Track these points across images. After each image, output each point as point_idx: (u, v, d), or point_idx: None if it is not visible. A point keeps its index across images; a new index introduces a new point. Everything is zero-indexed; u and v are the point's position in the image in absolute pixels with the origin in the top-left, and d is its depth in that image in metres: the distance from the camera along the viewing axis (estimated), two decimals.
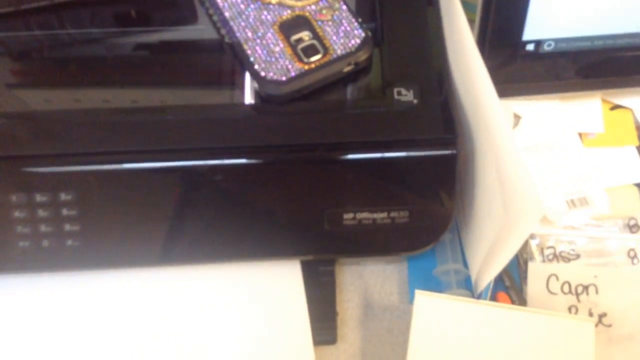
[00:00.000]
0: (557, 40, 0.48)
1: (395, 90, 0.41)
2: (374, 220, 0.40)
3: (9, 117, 0.41)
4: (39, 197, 0.39)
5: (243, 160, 0.39)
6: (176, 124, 0.40)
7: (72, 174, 0.39)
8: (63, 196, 0.39)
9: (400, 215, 0.40)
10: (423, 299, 0.44)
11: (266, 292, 0.46)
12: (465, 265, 0.48)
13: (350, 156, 0.39)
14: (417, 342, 0.42)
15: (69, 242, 0.40)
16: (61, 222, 0.39)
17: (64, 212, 0.39)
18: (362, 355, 0.47)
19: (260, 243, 0.41)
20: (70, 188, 0.39)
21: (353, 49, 0.41)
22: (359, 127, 0.39)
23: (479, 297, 0.47)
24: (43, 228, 0.39)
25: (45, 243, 0.40)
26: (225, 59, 0.45)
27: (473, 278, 0.47)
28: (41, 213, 0.39)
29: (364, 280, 0.50)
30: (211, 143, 0.39)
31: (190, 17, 0.47)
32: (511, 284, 0.48)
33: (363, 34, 0.42)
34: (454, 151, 0.39)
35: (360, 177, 0.39)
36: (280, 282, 0.46)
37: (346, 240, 0.41)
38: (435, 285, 0.49)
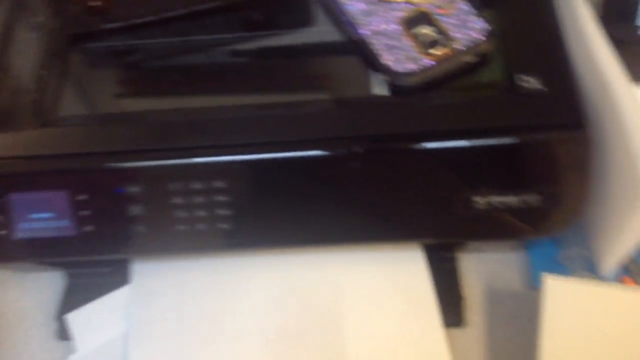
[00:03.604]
0: None
1: (520, 78, 0.42)
2: (506, 203, 0.42)
3: (163, 114, 0.46)
4: (195, 185, 0.43)
5: (380, 147, 0.41)
6: (315, 116, 0.43)
7: (224, 163, 0.43)
8: (217, 184, 0.43)
9: (533, 199, 0.41)
10: (553, 283, 0.44)
11: (392, 279, 0.48)
12: (589, 249, 0.48)
13: (482, 142, 0.41)
14: (549, 327, 0.43)
15: (221, 226, 0.44)
16: (214, 208, 0.44)
17: (217, 198, 0.43)
18: (489, 338, 0.48)
19: (394, 226, 0.43)
20: (223, 176, 0.43)
21: (476, 42, 0.44)
22: (488, 113, 0.41)
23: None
24: (198, 213, 0.44)
25: (200, 226, 0.44)
26: (347, 57, 0.48)
27: (599, 262, 0.47)
28: (197, 199, 0.44)
29: (485, 267, 0.51)
30: (350, 132, 0.42)
31: (305, 20, 0.51)
32: (637, 269, 0.48)
33: (485, 27, 0.44)
34: (587, 135, 0.40)
35: (493, 162, 0.41)
36: (405, 269, 0.49)
37: (477, 224, 0.42)
38: (558, 271, 0.49)
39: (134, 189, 0.43)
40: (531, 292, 0.49)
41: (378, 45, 0.44)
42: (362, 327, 0.47)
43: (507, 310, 0.49)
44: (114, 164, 0.43)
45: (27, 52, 0.49)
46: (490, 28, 0.44)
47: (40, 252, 0.45)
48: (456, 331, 0.48)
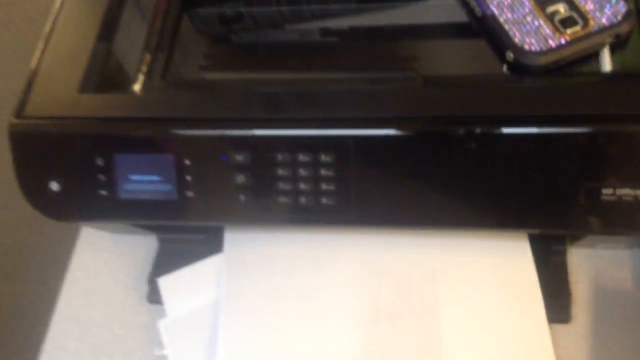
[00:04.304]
0: None
1: None
2: (636, 197, 0.39)
3: (270, 83, 0.45)
4: (301, 157, 0.42)
5: (501, 130, 0.39)
6: (432, 93, 0.41)
7: (331, 137, 0.41)
8: (323, 158, 0.42)
9: None
10: None
11: (495, 268, 0.46)
12: None
13: (613, 129, 0.38)
14: None
15: (324, 201, 0.43)
16: (315, 181, 0.42)
17: (322, 172, 0.42)
18: (594, 337, 0.46)
19: (515, 213, 0.41)
20: (328, 150, 0.41)
21: (615, 22, 0.40)
22: (621, 100, 0.38)
23: None
24: (302, 186, 0.43)
25: (302, 200, 0.43)
26: (470, 33, 0.46)
27: None
28: (299, 172, 0.42)
29: (594, 264, 0.48)
30: (469, 111, 0.39)
31: None
32: None
33: (626, 6, 0.41)
34: None
35: (625, 151, 0.38)
36: (509, 259, 0.46)
37: (602, 216, 0.40)
38: None
39: (237, 157, 0.42)
40: None
41: (508, 22, 0.41)
42: (460, 315, 0.45)
43: (615, 310, 0.46)
44: (220, 131, 0.42)
45: (138, 15, 0.49)
46: (631, 8, 0.40)
47: (140, 214, 0.45)
48: (559, 327, 0.46)
